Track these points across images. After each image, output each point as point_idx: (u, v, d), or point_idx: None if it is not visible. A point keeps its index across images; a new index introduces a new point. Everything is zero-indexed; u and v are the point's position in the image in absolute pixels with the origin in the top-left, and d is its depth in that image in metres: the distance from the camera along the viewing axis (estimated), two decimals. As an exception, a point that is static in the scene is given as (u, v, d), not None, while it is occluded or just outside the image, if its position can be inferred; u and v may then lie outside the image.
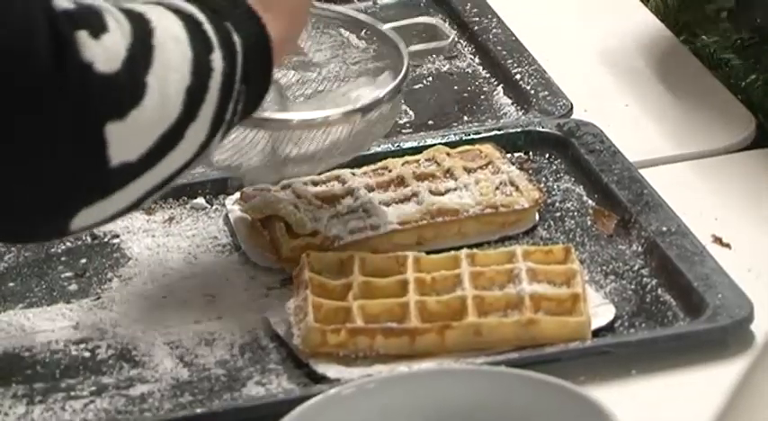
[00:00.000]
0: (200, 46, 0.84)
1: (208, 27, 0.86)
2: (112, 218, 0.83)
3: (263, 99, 0.94)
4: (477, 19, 1.42)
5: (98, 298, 1.03)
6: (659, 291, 1.00)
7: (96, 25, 0.77)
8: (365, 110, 1.05)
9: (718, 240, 1.05)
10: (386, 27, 1.15)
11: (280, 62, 0.99)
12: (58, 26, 0.75)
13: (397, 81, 1.09)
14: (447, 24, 1.22)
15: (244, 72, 0.87)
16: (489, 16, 1.41)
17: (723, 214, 1.10)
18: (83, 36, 0.75)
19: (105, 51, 0.76)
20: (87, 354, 0.94)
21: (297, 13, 1.03)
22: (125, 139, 0.78)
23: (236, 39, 0.87)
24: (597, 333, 0.93)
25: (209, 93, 0.84)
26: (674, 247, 1.02)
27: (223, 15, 0.89)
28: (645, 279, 1.01)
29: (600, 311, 0.96)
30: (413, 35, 1.21)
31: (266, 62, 0.92)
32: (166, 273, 1.06)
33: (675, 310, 0.97)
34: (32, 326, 0.99)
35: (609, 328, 0.95)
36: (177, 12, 0.86)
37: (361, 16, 1.20)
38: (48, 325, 0.99)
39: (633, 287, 1.00)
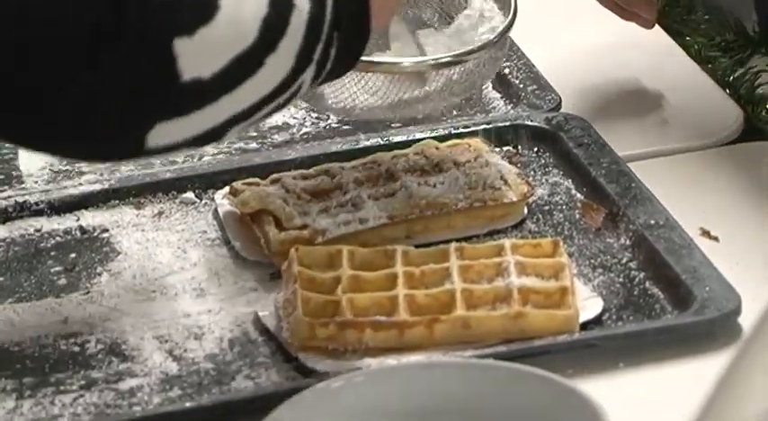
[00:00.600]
0: None
1: None
2: (194, 141, 0.84)
3: (361, 50, 0.94)
4: (468, 14, 1.40)
5: (87, 292, 1.02)
6: (647, 284, 0.99)
7: None
8: (474, 52, 1.06)
9: (706, 233, 1.05)
10: None
11: (385, 15, 0.98)
12: None
13: (507, 22, 1.10)
14: None
15: (334, 17, 0.87)
16: (479, 11, 1.38)
17: (711, 207, 1.09)
18: None
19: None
20: (76, 349, 0.94)
21: None
22: (195, 55, 0.79)
23: None
24: (585, 326, 0.93)
25: (291, 27, 0.84)
26: (661, 240, 1.02)
27: None
28: (633, 272, 1.01)
29: (588, 304, 0.96)
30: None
31: (361, 13, 0.92)
32: (156, 267, 1.06)
33: (663, 303, 0.97)
34: (21, 321, 0.99)
35: (597, 321, 0.95)
36: None
37: None
38: (37, 319, 0.99)
39: (621, 280, 1.00)
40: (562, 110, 1.23)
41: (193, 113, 0.81)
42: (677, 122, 1.25)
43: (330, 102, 1.06)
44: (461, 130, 1.19)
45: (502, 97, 1.29)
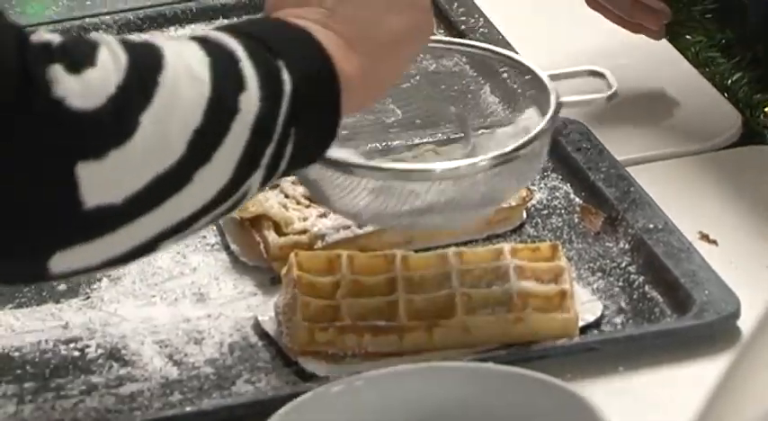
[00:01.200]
0: (227, 85, 0.79)
1: (246, 64, 0.81)
2: (108, 263, 0.78)
3: (327, 142, 0.88)
4: (464, 18, 1.41)
5: (87, 297, 1.02)
6: (646, 287, 1.00)
7: (80, 59, 0.74)
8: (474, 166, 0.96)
9: (704, 237, 1.05)
10: (547, 74, 1.06)
11: (363, 104, 0.93)
12: (27, 59, 0.72)
13: (533, 133, 0.99)
14: (609, 74, 1.12)
15: (291, 114, 0.82)
16: (476, 16, 1.41)
17: (709, 211, 1.10)
18: (57, 70, 0.72)
19: (84, 87, 0.72)
20: (77, 354, 0.94)
21: (391, 52, 0.94)
22: (102, 181, 0.74)
23: (286, 77, 0.82)
24: (584, 330, 0.94)
25: (231, 135, 0.79)
26: (660, 244, 1.02)
27: (280, 54, 0.84)
28: (632, 276, 1.01)
29: (587, 308, 0.96)
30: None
31: (329, 104, 0.86)
32: (155, 272, 1.06)
33: (662, 307, 0.98)
34: (22, 326, 0.99)
35: (596, 325, 0.96)
36: (213, 47, 0.82)
37: (507, 52, 1.13)
38: (37, 324, 0.99)
39: (620, 284, 1.01)
40: (561, 114, 1.20)
41: (104, 238, 0.75)
42: (676, 126, 1.25)
43: (335, 203, 0.99)
44: (459, 135, 1.16)
45: (500, 102, 1.26)
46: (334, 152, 0.93)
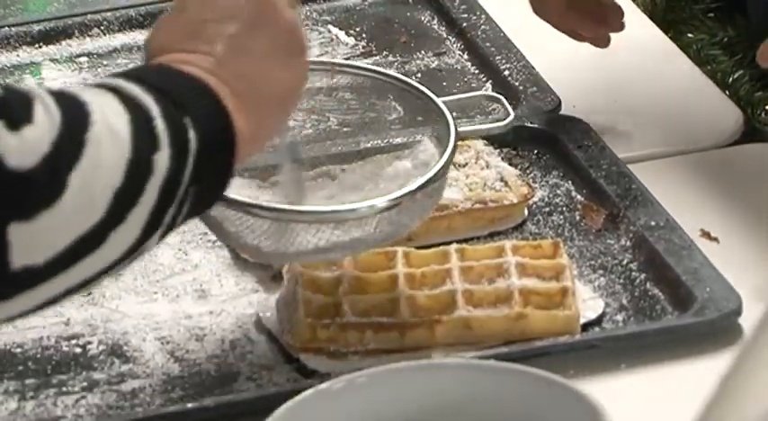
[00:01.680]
0: (143, 144, 0.77)
1: (160, 123, 0.79)
2: (19, 316, 0.77)
3: (220, 195, 0.87)
4: (466, 15, 1.41)
5: (89, 294, 1.01)
6: (648, 285, 1.00)
7: (19, 115, 0.71)
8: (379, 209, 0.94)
9: (706, 234, 1.05)
10: (442, 101, 1.04)
11: (247, 157, 0.89)
12: None
13: (433, 171, 0.96)
14: (504, 100, 1.14)
15: (195, 172, 0.81)
16: (478, 13, 1.41)
17: (711, 209, 1.10)
18: None
19: (22, 144, 0.70)
20: (78, 350, 0.94)
21: (277, 106, 0.93)
22: (31, 242, 0.72)
23: (192, 136, 0.81)
24: (586, 327, 0.94)
25: (145, 195, 0.78)
26: (662, 242, 1.02)
27: (185, 109, 0.82)
28: (633, 273, 1.02)
29: (589, 305, 0.97)
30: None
31: (226, 161, 0.85)
32: (157, 269, 1.06)
33: (664, 304, 0.98)
34: (23, 323, 0.97)
35: (598, 322, 0.96)
36: (129, 102, 0.79)
37: (407, 80, 1.08)
38: (39, 321, 0.98)
39: (622, 281, 1.01)
40: (562, 111, 1.23)
41: (20, 296, 0.73)
42: (677, 124, 1.25)
43: (235, 241, 0.98)
44: (462, 131, 1.16)
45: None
46: (235, 188, 0.92)
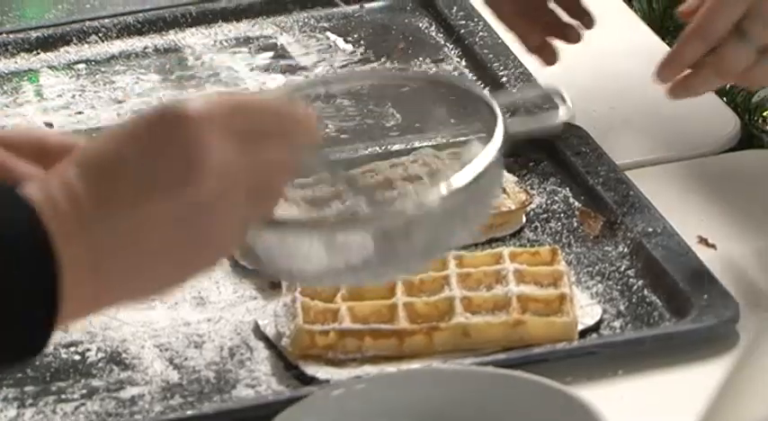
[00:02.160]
0: None
1: None
2: None
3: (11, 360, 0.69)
4: (464, 22, 1.42)
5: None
6: (645, 291, 1.00)
7: None
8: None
9: (703, 241, 1.05)
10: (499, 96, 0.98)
11: (83, 317, 0.72)
12: None
13: (472, 166, 0.90)
14: (564, 93, 1.07)
15: None
16: (476, 19, 1.41)
17: (708, 215, 1.10)
18: None
19: None
20: (77, 358, 0.94)
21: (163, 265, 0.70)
22: None
23: None
24: (584, 333, 0.94)
25: None
26: (659, 248, 1.03)
27: None
28: (631, 280, 1.02)
29: (586, 312, 0.97)
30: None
31: (43, 315, 0.71)
32: None
33: (662, 311, 0.98)
34: (22, 330, 0.96)
35: (595, 329, 0.96)
36: None
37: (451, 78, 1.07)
38: (37, 328, 0.97)
39: (619, 288, 1.01)
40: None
41: None
42: (674, 131, 1.25)
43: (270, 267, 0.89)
44: (460, 139, 1.17)
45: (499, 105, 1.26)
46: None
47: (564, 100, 0.96)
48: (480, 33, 1.40)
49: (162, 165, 0.70)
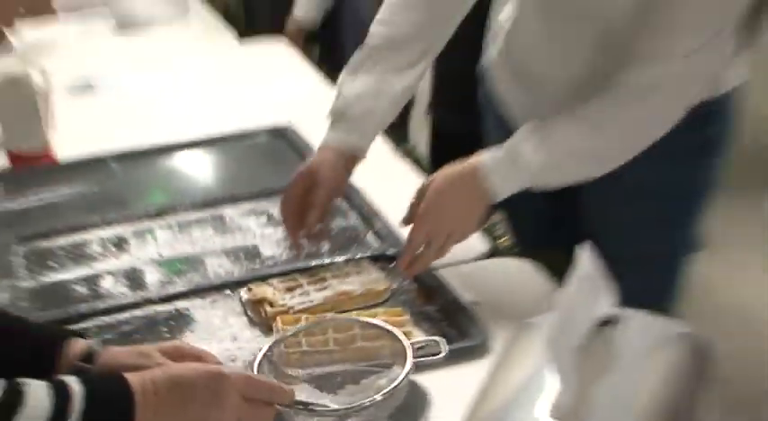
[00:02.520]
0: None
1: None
2: None
3: None
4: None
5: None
6: (445, 328, 1.19)
7: None
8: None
9: (475, 303, 1.22)
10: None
11: None
12: None
13: (397, 381, 0.93)
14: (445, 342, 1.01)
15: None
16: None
17: (469, 290, 1.26)
18: None
19: None
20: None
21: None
22: None
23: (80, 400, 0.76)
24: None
25: None
26: (450, 305, 1.23)
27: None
28: (442, 323, 1.21)
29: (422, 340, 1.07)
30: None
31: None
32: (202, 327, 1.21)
33: (454, 337, 1.15)
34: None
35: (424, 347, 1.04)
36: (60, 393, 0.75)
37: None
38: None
39: (435, 329, 1.18)
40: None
41: None
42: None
43: None
44: (357, 257, 1.36)
45: (377, 239, 1.43)
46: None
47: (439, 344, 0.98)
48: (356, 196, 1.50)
49: (207, 395, 0.81)
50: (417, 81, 1.27)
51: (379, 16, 1.29)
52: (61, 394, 0.75)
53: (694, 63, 1.10)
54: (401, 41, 1.25)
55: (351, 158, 1.26)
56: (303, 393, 0.94)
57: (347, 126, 1.25)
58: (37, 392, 0.74)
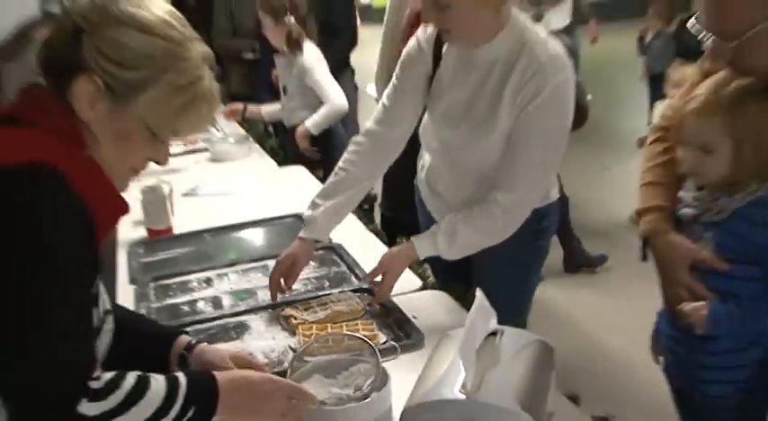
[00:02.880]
0: (162, 412, 0.74)
1: (177, 406, 0.74)
2: None
3: None
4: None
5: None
6: (397, 332, 1.28)
7: (100, 397, 0.69)
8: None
9: (414, 318, 1.29)
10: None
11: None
12: (72, 393, 0.68)
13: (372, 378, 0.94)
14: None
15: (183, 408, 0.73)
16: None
17: (415, 313, 1.32)
18: (83, 401, 0.68)
19: (94, 409, 0.69)
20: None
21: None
22: None
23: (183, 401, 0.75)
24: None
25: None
26: (399, 316, 1.32)
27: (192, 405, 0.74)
28: (395, 329, 1.30)
29: (381, 338, 1.25)
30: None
31: (209, 405, 0.76)
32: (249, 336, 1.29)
33: (403, 338, 1.25)
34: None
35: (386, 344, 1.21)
36: (172, 393, 0.74)
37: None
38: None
39: (391, 333, 1.29)
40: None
41: None
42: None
43: None
44: (342, 289, 1.45)
45: (356, 279, 1.48)
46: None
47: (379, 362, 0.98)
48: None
49: (265, 394, 0.82)
50: (364, 194, 1.43)
51: (340, 162, 1.43)
52: (173, 383, 0.76)
53: (534, 191, 1.33)
54: (354, 180, 1.41)
55: (316, 242, 1.43)
56: (316, 381, 0.99)
57: (314, 228, 1.40)
58: (158, 380, 0.76)
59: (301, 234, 1.38)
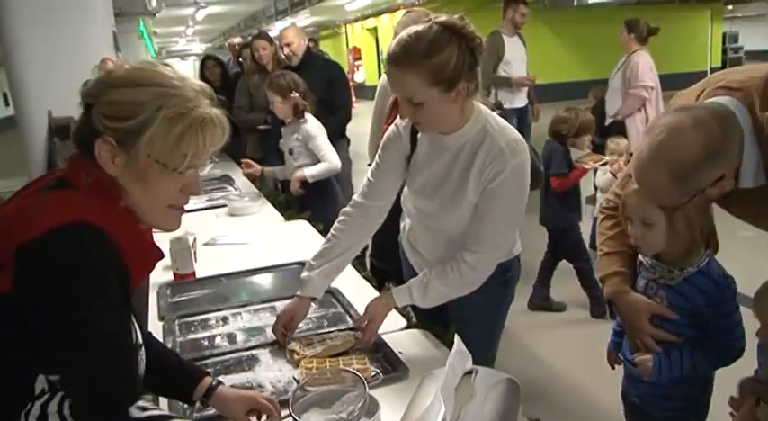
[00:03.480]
0: None
1: None
2: None
3: None
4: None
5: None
6: (385, 365, 1.23)
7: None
8: None
9: (400, 353, 1.24)
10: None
11: None
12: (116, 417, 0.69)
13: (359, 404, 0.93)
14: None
15: None
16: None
17: (400, 348, 1.28)
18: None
19: None
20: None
21: None
22: None
23: None
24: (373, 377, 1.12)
25: None
26: (387, 352, 1.26)
27: None
28: (383, 362, 1.25)
29: (371, 371, 1.18)
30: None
31: None
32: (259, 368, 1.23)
33: (390, 370, 1.20)
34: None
35: (376, 377, 1.16)
36: None
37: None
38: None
39: (380, 366, 1.23)
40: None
41: None
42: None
43: None
44: (339, 327, 1.40)
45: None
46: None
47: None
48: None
49: None
50: (354, 256, 1.40)
51: (332, 230, 1.40)
52: None
53: (498, 249, 1.30)
54: (344, 247, 1.38)
55: (312, 298, 1.38)
56: (314, 412, 0.97)
57: (310, 287, 1.37)
58: None
59: (299, 292, 1.36)
